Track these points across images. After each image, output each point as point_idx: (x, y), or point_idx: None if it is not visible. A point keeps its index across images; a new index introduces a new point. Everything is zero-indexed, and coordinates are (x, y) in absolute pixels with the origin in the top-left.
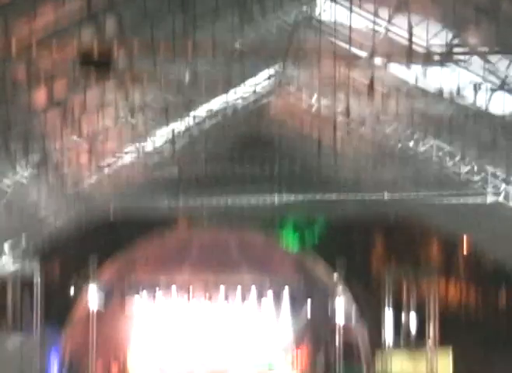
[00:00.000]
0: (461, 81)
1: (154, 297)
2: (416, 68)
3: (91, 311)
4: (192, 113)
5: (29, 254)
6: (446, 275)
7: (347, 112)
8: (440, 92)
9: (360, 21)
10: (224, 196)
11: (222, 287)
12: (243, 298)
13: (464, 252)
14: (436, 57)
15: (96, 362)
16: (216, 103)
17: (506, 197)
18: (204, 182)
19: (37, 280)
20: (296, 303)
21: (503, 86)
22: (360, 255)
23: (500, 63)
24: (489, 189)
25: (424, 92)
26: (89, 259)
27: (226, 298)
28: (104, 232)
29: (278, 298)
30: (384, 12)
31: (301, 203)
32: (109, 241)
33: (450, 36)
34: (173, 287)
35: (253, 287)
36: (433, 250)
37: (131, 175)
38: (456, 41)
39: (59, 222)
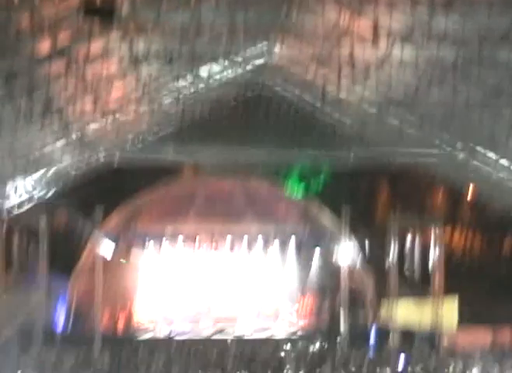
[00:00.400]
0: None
1: (160, 246)
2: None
3: (97, 261)
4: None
5: (34, 201)
6: (451, 222)
7: (351, 59)
8: (445, 38)
9: None
10: (229, 146)
11: (228, 237)
12: (250, 248)
13: (470, 200)
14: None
15: (103, 311)
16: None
17: None
18: (208, 130)
19: (43, 228)
20: (302, 252)
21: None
22: (366, 202)
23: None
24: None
25: (429, 38)
26: (94, 207)
27: (233, 247)
28: (109, 180)
29: (284, 246)
30: None
31: (306, 151)
32: (113, 189)
33: None
34: (180, 236)
35: (259, 237)
36: (438, 197)
37: (136, 122)
38: None
39: (64, 170)
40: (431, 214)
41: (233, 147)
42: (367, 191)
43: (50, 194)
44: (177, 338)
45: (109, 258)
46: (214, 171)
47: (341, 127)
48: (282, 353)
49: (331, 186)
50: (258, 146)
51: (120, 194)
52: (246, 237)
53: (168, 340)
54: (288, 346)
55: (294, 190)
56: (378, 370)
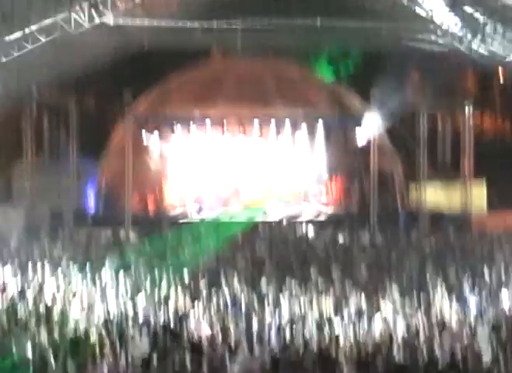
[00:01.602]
0: None
1: (188, 130)
2: None
3: (126, 144)
4: None
5: (66, 85)
6: (481, 106)
7: None
8: None
9: None
10: (257, 26)
11: (256, 121)
12: (278, 132)
13: (500, 83)
14: None
15: (133, 194)
16: None
17: None
18: (237, 11)
19: (73, 111)
20: (330, 135)
21: None
22: (395, 86)
23: None
24: None
25: None
26: (124, 90)
27: (260, 131)
28: (138, 63)
29: (312, 130)
30: None
31: (336, 31)
32: (143, 72)
33: None
34: (207, 120)
35: (287, 121)
36: (468, 80)
37: (165, 4)
38: None
39: (93, 53)
40: (461, 97)
41: (262, 27)
42: (397, 74)
43: (80, 77)
44: (207, 219)
45: (138, 141)
46: (242, 53)
47: (372, 8)
48: (311, 236)
49: (359, 70)
50: (287, 27)
51: (149, 77)
52: (273, 121)
53: (197, 221)
54: (316, 230)
55: (323, 73)
56: (407, 253)
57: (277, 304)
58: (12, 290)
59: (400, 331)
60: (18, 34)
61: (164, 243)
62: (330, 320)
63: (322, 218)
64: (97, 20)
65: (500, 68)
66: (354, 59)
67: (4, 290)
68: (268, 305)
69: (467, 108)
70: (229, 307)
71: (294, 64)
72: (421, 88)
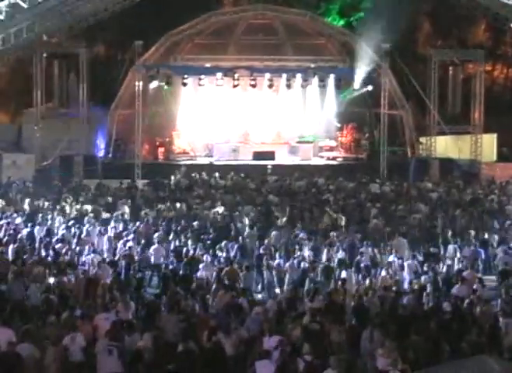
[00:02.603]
0: None
1: (199, 79)
2: None
3: (136, 91)
4: None
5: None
6: (493, 59)
7: None
8: None
9: None
10: None
11: (267, 75)
12: (289, 85)
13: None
14: None
15: (143, 141)
16: None
17: None
18: None
19: (83, 59)
20: (341, 85)
21: None
22: (406, 36)
23: None
24: None
25: None
26: (134, 38)
27: (271, 84)
28: (149, 11)
29: (323, 80)
30: None
31: None
32: (153, 19)
33: None
34: (218, 73)
35: (298, 75)
36: (480, 31)
37: None
38: None
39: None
40: (473, 48)
41: None
42: (408, 25)
43: (89, 20)
44: (217, 163)
45: (148, 88)
46: (254, 3)
47: None
48: (320, 182)
49: (371, 22)
50: None
51: (160, 26)
52: (284, 75)
53: (208, 165)
54: (327, 178)
55: (334, 22)
56: (415, 203)
57: (286, 250)
58: (23, 236)
59: (408, 280)
60: None
61: (174, 190)
62: (339, 267)
63: (332, 166)
64: None
65: None
66: (365, 11)
67: (16, 235)
68: (278, 251)
69: (478, 60)
70: (238, 251)
71: (306, 15)
72: (432, 38)
